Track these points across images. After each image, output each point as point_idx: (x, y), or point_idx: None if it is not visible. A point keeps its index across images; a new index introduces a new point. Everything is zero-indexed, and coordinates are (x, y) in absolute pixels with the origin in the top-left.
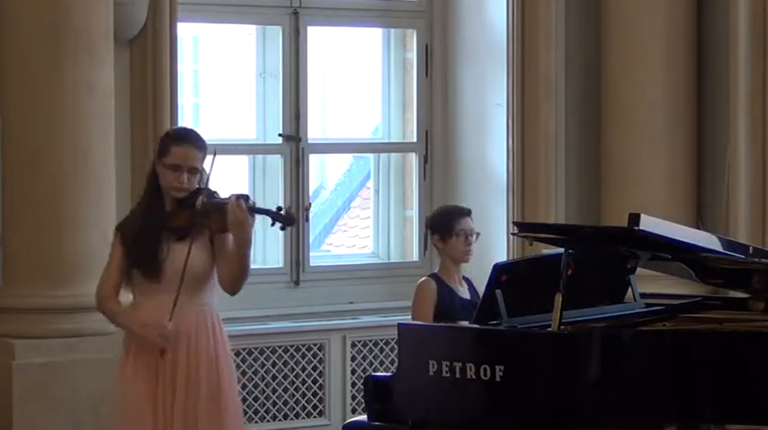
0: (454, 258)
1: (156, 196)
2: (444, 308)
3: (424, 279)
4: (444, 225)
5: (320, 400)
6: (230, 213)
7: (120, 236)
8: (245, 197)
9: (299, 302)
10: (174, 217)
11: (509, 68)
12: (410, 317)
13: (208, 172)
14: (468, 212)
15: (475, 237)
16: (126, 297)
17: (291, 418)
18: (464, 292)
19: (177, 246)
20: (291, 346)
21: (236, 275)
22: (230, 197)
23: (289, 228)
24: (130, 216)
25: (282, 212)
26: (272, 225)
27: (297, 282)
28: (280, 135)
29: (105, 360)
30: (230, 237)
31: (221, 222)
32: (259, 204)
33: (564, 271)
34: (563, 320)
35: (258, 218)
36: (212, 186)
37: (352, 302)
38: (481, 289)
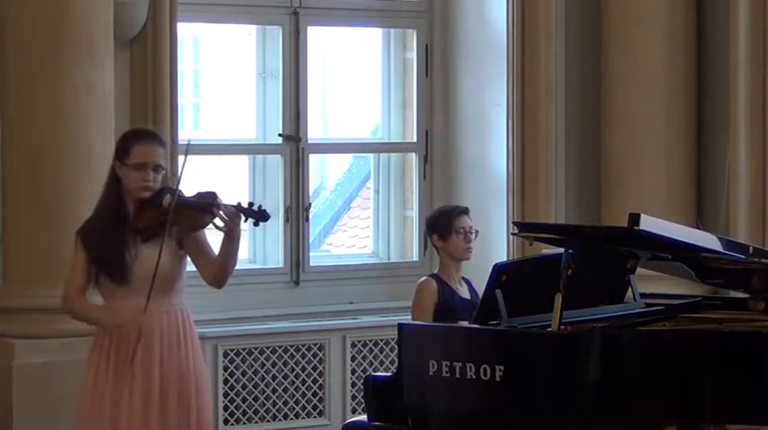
0: (455, 256)
1: (117, 199)
2: (445, 307)
3: (424, 278)
4: (443, 224)
5: (320, 400)
6: (228, 217)
7: (81, 241)
8: (213, 194)
9: (299, 302)
10: (140, 218)
11: (509, 68)
12: (410, 316)
13: (179, 172)
14: (466, 211)
15: (474, 234)
16: (93, 299)
17: (291, 418)
18: (464, 292)
19: (144, 248)
20: (291, 346)
21: (227, 270)
22: (197, 195)
23: (262, 224)
24: (91, 220)
25: (255, 208)
26: (245, 221)
27: (297, 282)
28: (280, 135)
29: None
30: (202, 235)
31: (193, 221)
32: (242, 203)
33: (564, 271)
34: (563, 320)
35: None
36: (182, 185)
37: (352, 302)
38: (481, 289)
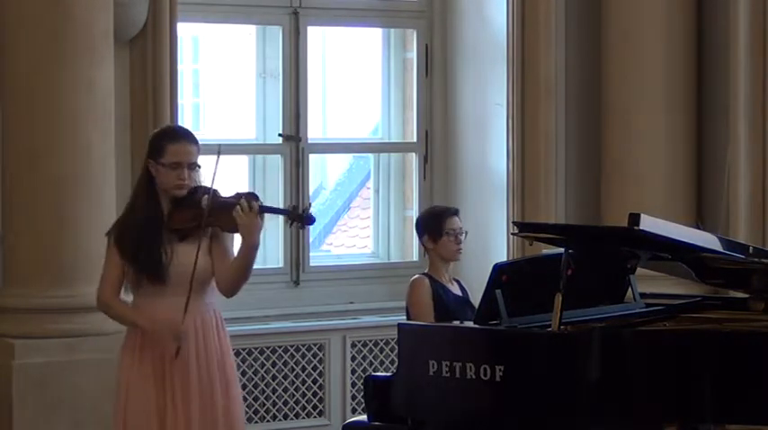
0: (445, 257)
1: (151, 198)
2: (439, 304)
3: (417, 276)
4: (434, 225)
5: (320, 400)
6: (240, 217)
7: (114, 240)
8: (254, 196)
9: (299, 302)
10: (176, 217)
11: (509, 68)
12: (405, 315)
13: (213, 171)
14: (456, 212)
15: (464, 235)
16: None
17: (291, 418)
18: (456, 290)
19: (180, 248)
20: (291, 346)
21: (240, 279)
22: (236, 195)
23: (308, 227)
24: (123, 220)
25: (300, 211)
26: (291, 225)
27: (297, 282)
28: (280, 135)
29: (105, 360)
30: (233, 238)
31: (230, 223)
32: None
33: (564, 271)
34: (563, 320)
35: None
36: (215, 185)
37: (352, 302)
38: (471, 289)
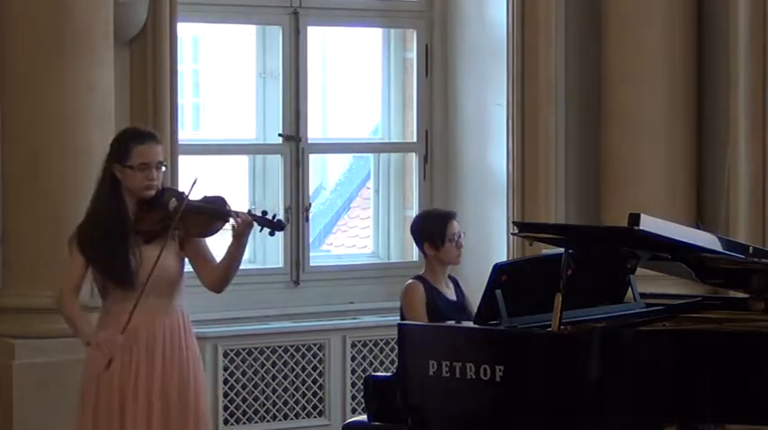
0: (447, 262)
1: (117, 201)
2: (433, 310)
3: (411, 281)
4: (436, 232)
5: (320, 400)
6: (239, 226)
7: (77, 247)
8: (222, 199)
9: (299, 302)
10: (143, 219)
11: (509, 68)
12: (400, 317)
13: (188, 192)
14: (454, 215)
15: (463, 236)
16: (86, 300)
17: (291, 418)
18: (450, 294)
19: (147, 250)
20: (291, 346)
21: (229, 276)
22: (204, 199)
23: (279, 233)
24: (87, 225)
25: (274, 218)
26: (261, 230)
27: (297, 282)
28: (280, 135)
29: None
30: (206, 241)
31: (203, 227)
32: (252, 206)
33: (564, 271)
34: (563, 320)
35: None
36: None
37: (352, 302)
38: (471, 290)
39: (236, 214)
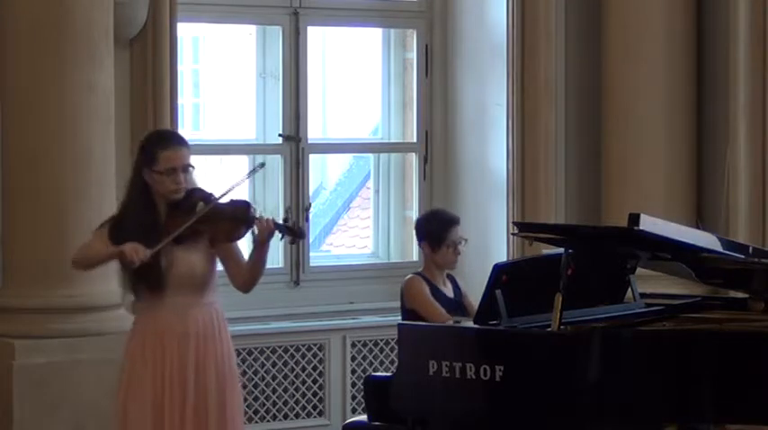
0: (441, 266)
1: (147, 202)
2: None
3: (411, 275)
4: (435, 235)
5: (320, 400)
6: (261, 233)
7: (108, 232)
8: (248, 204)
9: (299, 302)
10: (172, 222)
11: (509, 68)
12: (401, 315)
13: (233, 184)
14: (458, 221)
15: (463, 243)
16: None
17: (291, 418)
18: (448, 292)
19: (177, 251)
20: (291, 346)
21: (256, 277)
22: (230, 203)
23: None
24: (120, 220)
25: (295, 226)
26: (282, 239)
27: (297, 282)
28: (280, 135)
29: (105, 360)
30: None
31: (228, 232)
32: (259, 207)
33: (564, 271)
34: (563, 320)
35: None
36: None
37: (352, 302)
38: (471, 290)
39: (259, 220)
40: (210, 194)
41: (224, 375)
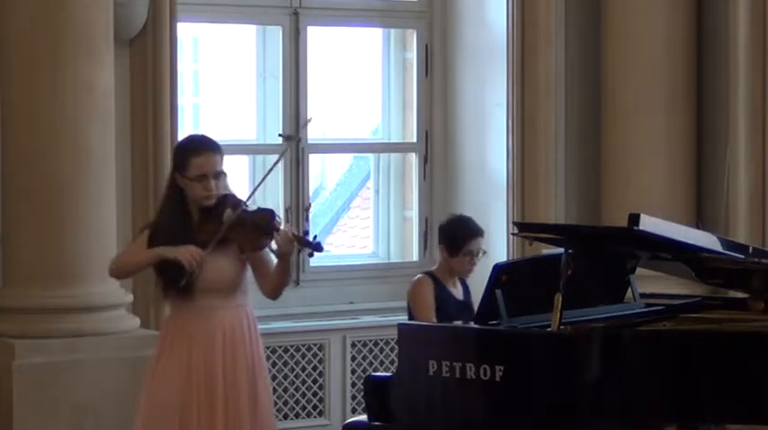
0: (455, 272)
1: (182, 207)
2: (440, 308)
3: (420, 276)
4: (455, 243)
5: (320, 400)
6: (280, 245)
7: (149, 238)
8: (272, 214)
9: (299, 302)
10: (202, 229)
11: (509, 68)
12: (407, 314)
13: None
14: (481, 233)
15: (481, 254)
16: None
17: (291, 418)
18: (458, 293)
19: (208, 256)
20: (291, 346)
21: (280, 288)
22: (258, 210)
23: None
24: (159, 224)
25: (314, 239)
26: (299, 251)
27: (297, 282)
28: (280, 135)
29: (105, 360)
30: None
31: (252, 242)
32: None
33: (564, 271)
34: (563, 320)
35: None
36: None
37: (352, 302)
38: (476, 289)
39: (279, 232)
40: (240, 201)
41: (255, 376)
